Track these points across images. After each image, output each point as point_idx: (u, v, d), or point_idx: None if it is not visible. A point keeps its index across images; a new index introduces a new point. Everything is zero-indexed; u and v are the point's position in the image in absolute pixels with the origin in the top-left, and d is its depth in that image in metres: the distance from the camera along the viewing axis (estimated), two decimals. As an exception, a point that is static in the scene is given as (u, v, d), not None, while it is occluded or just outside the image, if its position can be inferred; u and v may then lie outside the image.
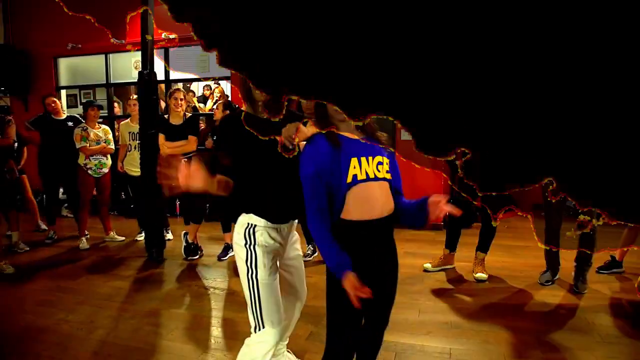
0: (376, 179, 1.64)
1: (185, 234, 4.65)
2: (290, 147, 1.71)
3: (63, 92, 7.24)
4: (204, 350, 2.73)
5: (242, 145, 1.85)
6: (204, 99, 7.50)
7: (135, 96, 5.36)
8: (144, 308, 3.37)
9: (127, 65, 6.88)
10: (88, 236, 5.09)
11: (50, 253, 4.86)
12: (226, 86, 7.52)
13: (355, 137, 1.69)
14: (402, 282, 3.84)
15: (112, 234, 5.29)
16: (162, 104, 6.70)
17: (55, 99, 5.15)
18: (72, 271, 4.25)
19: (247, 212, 1.90)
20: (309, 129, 1.74)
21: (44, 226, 5.71)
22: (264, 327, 1.85)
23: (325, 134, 1.65)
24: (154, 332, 3.00)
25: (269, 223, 1.89)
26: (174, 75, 6.66)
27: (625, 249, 3.95)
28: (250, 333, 1.90)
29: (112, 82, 6.98)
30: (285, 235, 1.98)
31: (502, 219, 5.69)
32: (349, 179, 1.60)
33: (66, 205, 6.63)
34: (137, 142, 5.18)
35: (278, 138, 1.71)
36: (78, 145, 4.89)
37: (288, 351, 2.46)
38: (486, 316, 3.16)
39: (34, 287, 3.83)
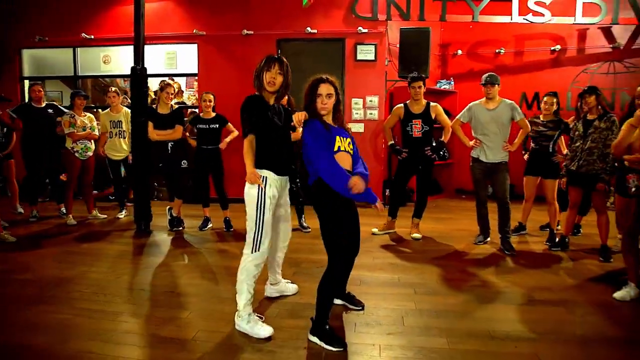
0: (345, 151, 2.70)
1: (170, 208, 5.34)
2: (298, 126, 2.66)
3: (26, 83, 7.48)
4: (217, 284, 3.56)
5: (257, 118, 2.75)
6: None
7: (114, 88, 5.93)
8: (153, 262, 4.10)
9: (95, 60, 7.30)
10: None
11: (41, 228, 5.34)
12: (183, 82, 8.11)
13: (334, 125, 2.70)
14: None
15: (95, 212, 5.83)
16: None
17: (40, 88, 5.62)
18: (72, 240, 4.82)
19: (261, 168, 2.77)
20: (307, 116, 2.71)
21: (20, 209, 6.09)
22: (259, 250, 2.74)
23: (318, 119, 2.63)
24: (170, 276, 3.77)
25: (275, 175, 2.78)
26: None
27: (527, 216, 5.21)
28: (246, 254, 2.76)
29: (79, 74, 7.36)
30: (283, 185, 2.91)
31: (431, 200, 6.95)
32: (335, 149, 2.62)
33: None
34: (118, 129, 5.79)
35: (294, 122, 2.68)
36: (66, 131, 5.40)
37: (286, 281, 3.39)
38: (422, 260, 4.24)
39: (44, 252, 4.37)
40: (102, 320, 2.87)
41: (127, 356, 2.43)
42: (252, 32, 6.77)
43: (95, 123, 5.71)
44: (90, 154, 5.64)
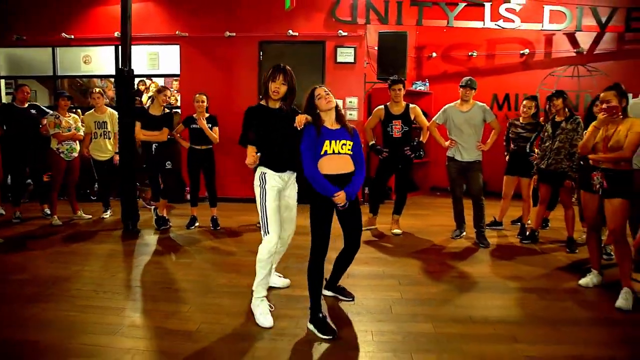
0: (339, 153, 2.89)
1: (155, 208, 5.44)
2: (299, 128, 2.86)
3: (2, 82, 7.40)
4: (211, 280, 3.70)
5: (258, 125, 3.01)
6: (139, 93, 8.05)
7: (98, 89, 5.98)
8: (145, 260, 4.22)
9: (75, 60, 7.28)
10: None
11: (27, 229, 5.34)
12: (161, 82, 8.12)
13: (334, 126, 2.90)
14: (339, 238, 5.12)
15: (79, 212, 5.85)
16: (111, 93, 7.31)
17: (29, 89, 5.62)
18: (61, 240, 4.86)
19: (261, 165, 3.03)
20: (309, 118, 2.92)
21: (1, 210, 6.05)
22: (269, 234, 2.95)
23: (314, 125, 2.83)
24: (165, 273, 3.89)
25: (273, 172, 3.02)
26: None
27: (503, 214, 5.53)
28: (263, 239, 2.96)
29: (59, 74, 7.31)
30: (285, 179, 3.10)
31: (409, 197, 7.20)
32: (322, 152, 2.85)
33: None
34: (103, 130, 5.83)
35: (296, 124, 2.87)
36: (52, 132, 5.42)
37: (278, 274, 3.58)
38: (403, 254, 4.50)
39: (35, 253, 4.40)
40: (106, 316, 2.99)
41: (137, 348, 2.57)
42: (235, 34, 6.89)
43: (80, 124, 5.74)
44: (75, 154, 5.67)
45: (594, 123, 3.35)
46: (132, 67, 5.15)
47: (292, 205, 3.23)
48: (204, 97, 5.23)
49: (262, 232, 2.98)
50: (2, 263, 4.09)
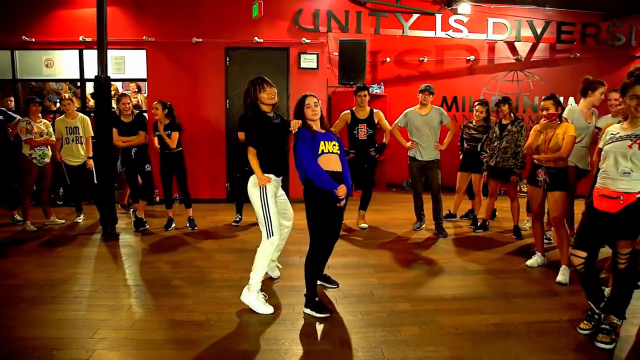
0: (331, 152, 3.27)
1: (134, 210, 5.61)
2: (294, 132, 3.23)
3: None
4: (205, 275, 3.99)
5: (264, 130, 3.30)
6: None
7: (68, 95, 6.01)
8: (136, 261, 4.42)
9: (37, 63, 7.17)
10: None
11: (1, 236, 5.33)
12: (119, 86, 8.12)
13: (321, 131, 3.29)
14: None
15: (52, 217, 5.86)
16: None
17: (-2, 96, 5.58)
18: (42, 246, 4.94)
19: (265, 172, 3.30)
20: (300, 122, 3.28)
21: (-34, 217, 5.97)
22: (273, 235, 3.29)
23: (306, 127, 3.20)
24: (158, 271, 4.13)
25: (274, 176, 3.36)
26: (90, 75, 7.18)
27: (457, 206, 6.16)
28: (264, 240, 3.29)
29: (18, 78, 7.18)
30: (278, 183, 3.46)
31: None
32: (320, 152, 3.20)
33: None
34: (74, 135, 5.87)
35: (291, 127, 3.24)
36: (24, 138, 5.44)
37: (277, 265, 3.94)
38: (373, 245, 4.98)
39: (20, 259, 4.47)
40: (116, 313, 3.22)
41: (157, 338, 2.85)
42: (202, 40, 7.08)
43: (51, 129, 5.77)
44: (47, 160, 5.70)
45: (536, 127, 3.96)
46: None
47: (288, 203, 3.62)
48: (159, 105, 5.35)
49: (266, 235, 3.29)
50: (-10, 270, 4.16)
